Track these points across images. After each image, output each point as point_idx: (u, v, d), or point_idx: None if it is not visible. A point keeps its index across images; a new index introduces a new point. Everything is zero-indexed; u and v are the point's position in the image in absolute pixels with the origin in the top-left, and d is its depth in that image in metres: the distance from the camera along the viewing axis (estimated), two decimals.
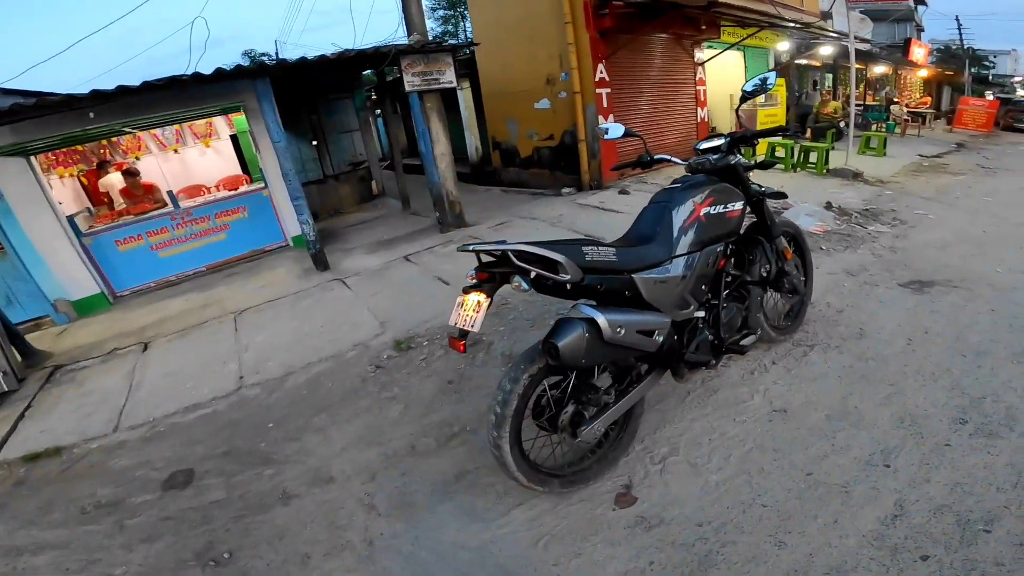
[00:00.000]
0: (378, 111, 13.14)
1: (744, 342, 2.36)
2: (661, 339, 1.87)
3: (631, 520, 1.86)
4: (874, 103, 14.83)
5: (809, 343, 2.86)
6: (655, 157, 2.55)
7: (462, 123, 10.53)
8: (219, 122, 7.70)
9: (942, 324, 3.02)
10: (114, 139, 6.86)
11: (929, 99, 18.96)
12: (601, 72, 7.31)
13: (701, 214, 2.06)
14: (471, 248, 1.63)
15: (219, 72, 4.46)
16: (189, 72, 4.47)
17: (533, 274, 1.61)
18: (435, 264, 4.84)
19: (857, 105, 12.55)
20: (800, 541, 1.70)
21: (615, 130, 2.53)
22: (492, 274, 1.67)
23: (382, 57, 5.41)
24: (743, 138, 2.34)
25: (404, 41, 5.66)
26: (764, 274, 2.46)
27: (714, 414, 2.34)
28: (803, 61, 12.41)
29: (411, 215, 7.52)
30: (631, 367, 2.02)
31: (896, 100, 15.69)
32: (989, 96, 19.77)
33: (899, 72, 18.44)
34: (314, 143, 8.56)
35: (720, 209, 2.14)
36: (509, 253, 1.57)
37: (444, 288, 4.17)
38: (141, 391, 3.22)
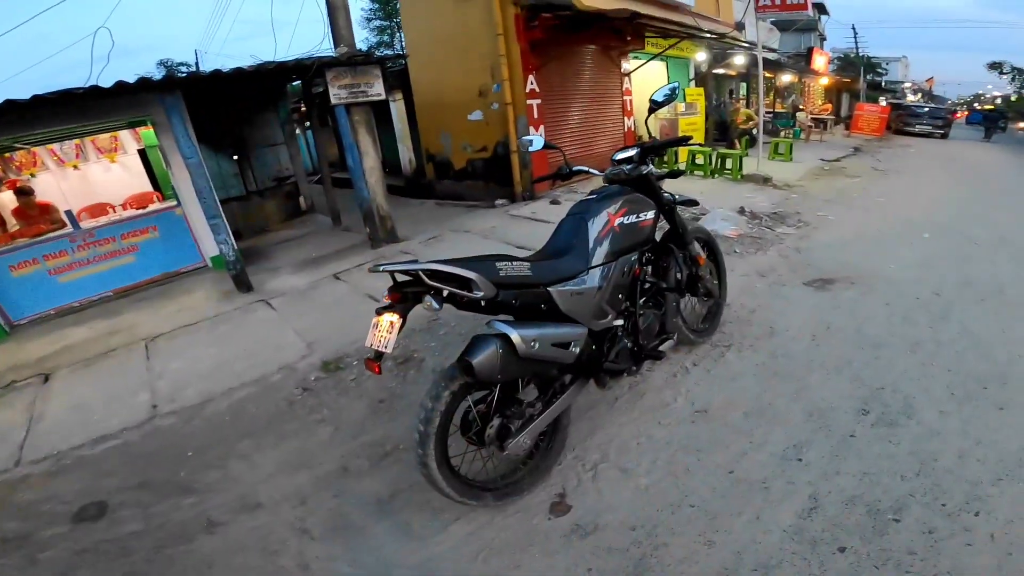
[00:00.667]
0: (307, 123, 12.73)
1: (663, 347, 2.45)
2: (578, 350, 1.91)
3: (567, 528, 1.89)
4: (782, 111, 16.13)
5: (726, 343, 3.01)
6: (574, 169, 2.61)
7: (395, 135, 10.35)
8: (125, 136, 7.15)
9: (843, 319, 3.28)
10: (5, 155, 6.23)
11: (830, 106, 20.75)
12: (532, 83, 7.43)
13: (615, 224, 2.13)
14: (382, 269, 1.63)
15: (120, 85, 4.13)
16: (89, 84, 4.13)
17: (446, 292, 1.62)
18: (365, 282, 4.70)
19: (767, 112, 13.59)
20: (728, 539, 1.76)
21: (536, 142, 2.59)
22: (405, 294, 1.66)
23: (305, 69, 5.24)
24: (652, 148, 2.44)
25: (332, 53, 5.52)
26: (679, 280, 2.56)
27: (641, 418, 2.42)
28: (720, 71, 13.20)
29: (342, 231, 7.29)
30: (554, 378, 2.04)
31: (801, 107, 17.15)
32: (882, 102, 21.81)
33: (804, 80, 20.02)
34: (235, 158, 8.10)
35: (633, 219, 2.22)
36: (420, 273, 1.58)
37: (374, 305, 3.99)
38: (43, 424, 2.97)
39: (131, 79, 4.29)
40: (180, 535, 2.05)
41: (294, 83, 7.79)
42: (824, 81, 20.91)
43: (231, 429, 2.69)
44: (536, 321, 1.83)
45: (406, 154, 10.42)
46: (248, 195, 8.20)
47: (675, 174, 2.65)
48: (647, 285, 2.41)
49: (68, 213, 5.28)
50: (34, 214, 5.42)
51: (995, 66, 33.25)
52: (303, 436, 2.58)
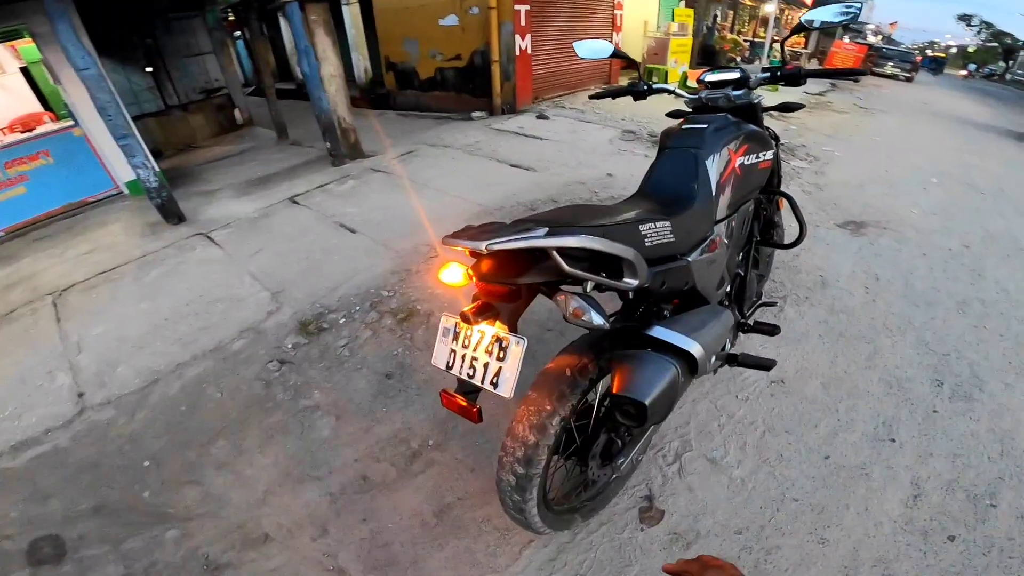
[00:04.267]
0: (238, 33, 11.42)
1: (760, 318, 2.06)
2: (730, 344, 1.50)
3: (665, 539, 1.58)
4: (760, 39, 15.58)
5: (780, 294, 2.79)
6: (654, 87, 1.99)
7: (348, 42, 9.07)
8: (2, 53, 5.77)
9: (888, 270, 3.12)
10: None
11: (803, 40, 20.46)
12: None
13: (737, 165, 1.60)
14: (461, 245, 0.97)
15: None
16: None
17: (590, 286, 1.07)
18: (333, 206, 3.99)
19: (746, 41, 13.05)
20: (841, 535, 1.59)
21: (603, 48, 1.91)
22: (512, 286, 1.08)
23: None
24: (793, 75, 1.80)
25: None
26: (773, 231, 2.13)
27: (714, 392, 2.09)
28: None
29: (290, 145, 6.39)
30: None
31: (777, 39, 16.68)
32: (845, 40, 21.88)
33: (784, 10, 19.44)
34: (148, 70, 7.12)
35: (754, 159, 1.70)
36: (553, 252, 0.97)
37: (350, 238, 3.42)
38: None
39: None
40: None
41: None
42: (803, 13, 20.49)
43: (193, 424, 2.05)
44: (681, 314, 1.33)
45: (360, 62, 9.21)
46: (168, 109, 7.34)
47: (791, 107, 2.04)
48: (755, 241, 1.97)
49: None
50: None
51: (964, 18, 34.17)
52: (296, 432, 1.99)
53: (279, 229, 3.69)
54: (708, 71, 1.90)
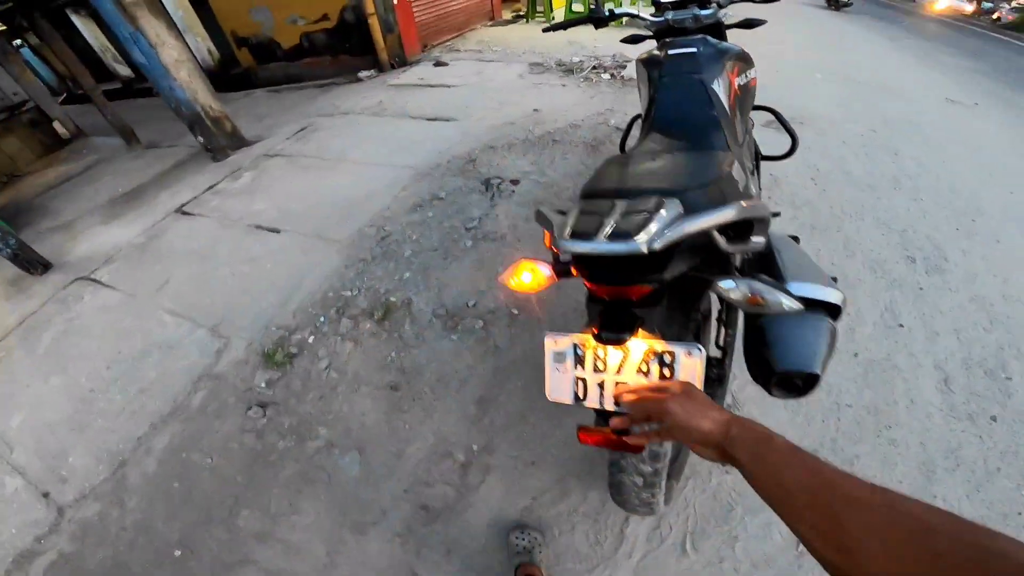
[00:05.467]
0: (18, 41, 9.52)
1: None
2: None
3: None
4: None
5: None
6: (615, 11, 1.84)
7: (176, 27, 7.68)
8: None
9: (823, 161, 3.32)
10: None
11: None
12: None
13: (737, 87, 1.53)
14: (591, 250, 0.77)
15: None
16: None
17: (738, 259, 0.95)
18: (237, 207, 3.43)
19: None
20: (904, 434, 1.66)
21: None
22: (656, 285, 0.88)
23: None
24: None
25: None
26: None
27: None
28: None
29: (147, 150, 5.45)
30: None
31: None
32: None
33: None
34: None
35: (746, 79, 1.64)
36: (714, 232, 0.82)
37: (275, 239, 2.96)
38: None
39: None
40: None
41: None
42: None
43: (200, 500, 1.70)
44: (777, 259, 1.13)
45: (201, 44, 7.98)
46: None
47: (754, 23, 1.94)
48: None
49: None
50: None
51: None
52: (322, 480, 1.70)
53: (180, 250, 3.10)
54: None
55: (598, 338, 0.86)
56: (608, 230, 0.77)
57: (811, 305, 0.93)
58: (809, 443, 1.63)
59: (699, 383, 0.82)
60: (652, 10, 1.89)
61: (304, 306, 2.35)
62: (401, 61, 6.47)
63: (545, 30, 2.04)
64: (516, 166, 3.47)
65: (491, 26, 8.58)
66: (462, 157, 3.63)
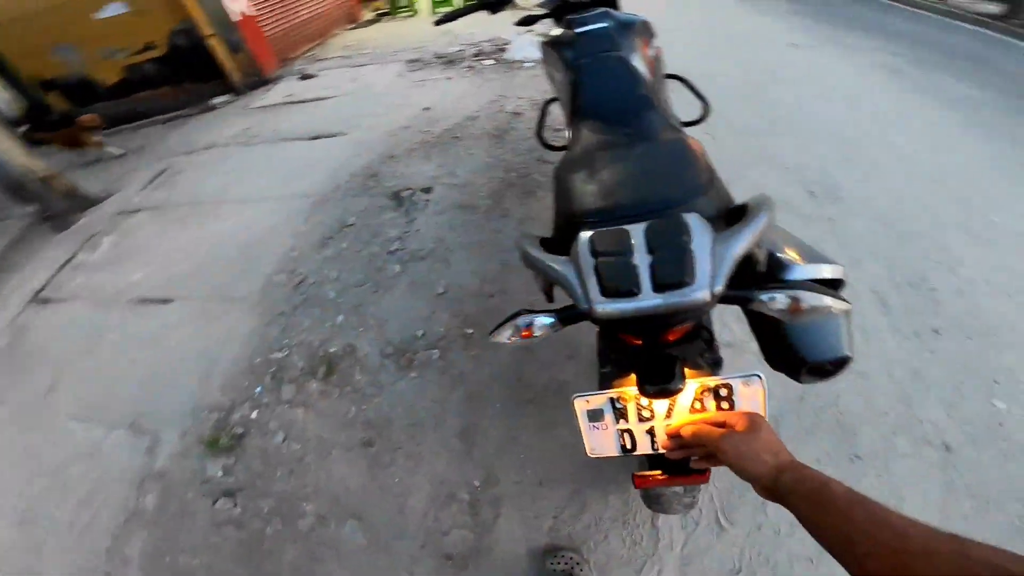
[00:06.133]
0: None
1: None
2: None
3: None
4: None
5: None
6: None
7: None
8: None
9: (715, 113, 3.57)
10: None
11: None
12: None
13: (650, 58, 1.52)
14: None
15: None
16: None
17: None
18: (108, 282, 2.91)
19: None
20: (872, 364, 1.82)
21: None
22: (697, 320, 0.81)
23: None
24: None
25: None
26: None
27: None
28: None
29: None
30: None
31: None
32: None
33: None
34: None
35: (654, 49, 1.63)
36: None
37: (168, 310, 2.55)
38: None
39: None
40: None
41: None
42: None
43: None
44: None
45: None
46: None
47: None
48: None
49: None
50: None
51: None
52: (330, 558, 1.49)
53: (56, 346, 2.54)
54: None
55: (644, 392, 0.77)
56: (648, 279, 0.68)
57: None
58: (791, 391, 1.71)
59: (763, 411, 0.77)
60: None
61: (231, 380, 2.05)
62: (259, 80, 5.92)
63: (437, 22, 1.91)
64: (423, 172, 3.33)
65: (353, 29, 8.17)
66: (361, 173, 3.42)
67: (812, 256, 0.90)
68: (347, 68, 5.86)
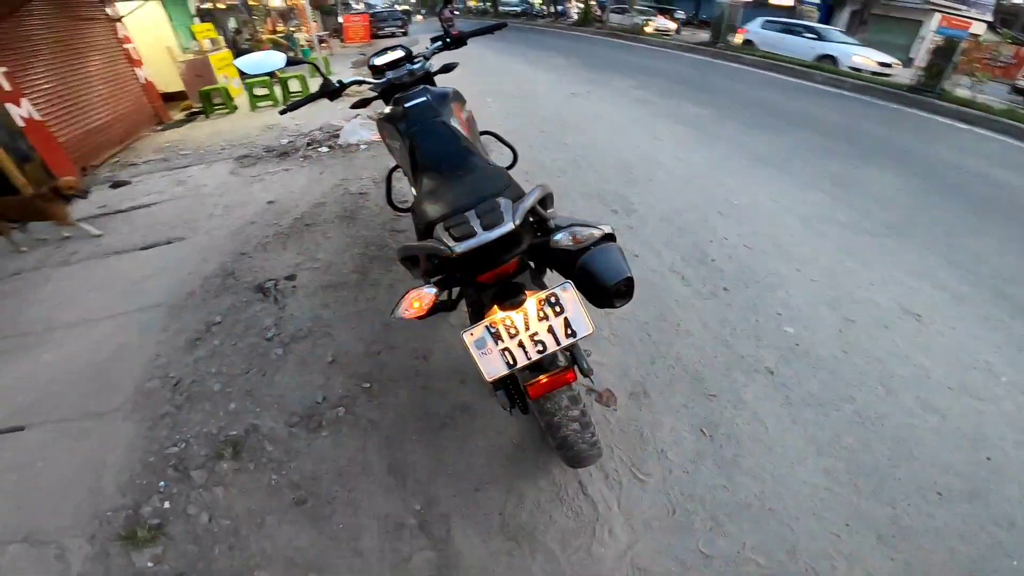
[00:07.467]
0: None
1: None
2: None
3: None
4: (281, 34, 16.05)
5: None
6: (344, 81, 2.18)
7: None
8: None
9: (521, 162, 4.40)
10: None
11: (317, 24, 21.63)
12: None
13: (464, 119, 2.06)
14: (469, 245, 1.23)
15: None
16: None
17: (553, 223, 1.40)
18: None
19: (283, 38, 13.88)
20: (692, 324, 2.56)
21: (270, 62, 2.00)
22: (520, 255, 1.39)
23: None
24: (460, 39, 2.31)
25: None
26: None
27: None
28: (221, 4, 12.99)
29: None
30: None
31: (296, 29, 17.57)
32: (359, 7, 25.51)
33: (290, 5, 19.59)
34: None
35: (467, 113, 2.17)
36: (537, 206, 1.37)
37: (27, 438, 2.29)
38: None
39: None
40: None
41: None
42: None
43: None
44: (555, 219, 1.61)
45: None
46: None
47: (451, 67, 2.44)
48: None
49: None
50: None
51: None
52: None
53: None
54: (374, 56, 2.26)
55: (502, 307, 1.25)
56: (479, 226, 1.20)
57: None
58: (644, 356, 2.36)
59: (583, 309, 1.26)
60: (370, 75, 2.29)
61: (127, 482, 2.03)
62: (58, 194, 5.45)
63: (282, 111, 2.24)
64: (283, 261, 3.49)
65: (162, 130, 7.92)
66: (216, 274, 3.45)
67: (587, 220, 1.43)
68: (168, 171, 5.74)
